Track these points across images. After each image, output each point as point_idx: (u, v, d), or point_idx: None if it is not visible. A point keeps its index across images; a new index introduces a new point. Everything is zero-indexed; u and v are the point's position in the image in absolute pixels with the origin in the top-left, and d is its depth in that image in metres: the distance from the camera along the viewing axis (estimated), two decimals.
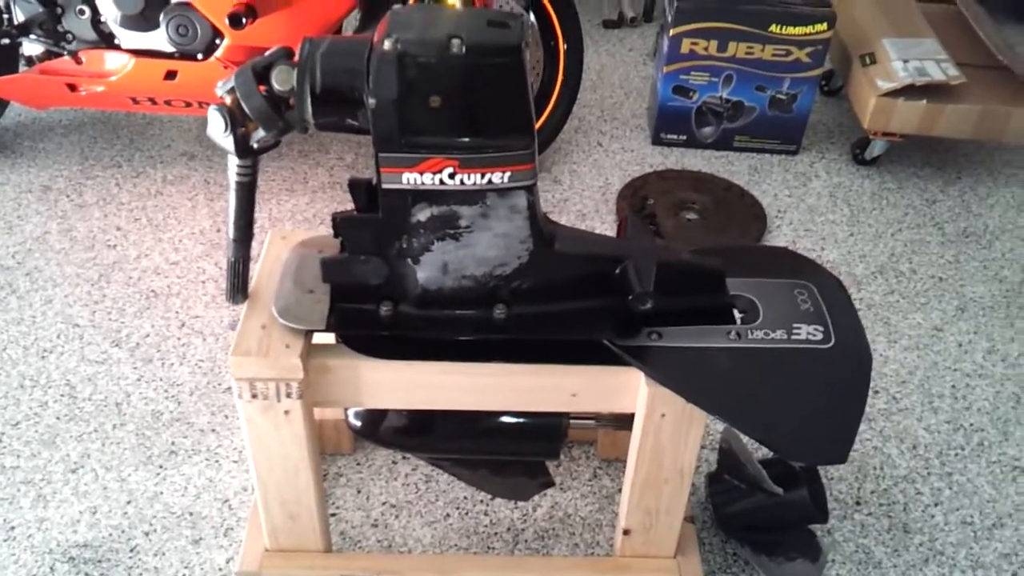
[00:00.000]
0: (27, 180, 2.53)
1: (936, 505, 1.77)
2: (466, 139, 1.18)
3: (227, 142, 1.19)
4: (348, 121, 1.20)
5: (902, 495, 1.79)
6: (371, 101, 1.14)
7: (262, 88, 1.17)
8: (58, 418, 1.86)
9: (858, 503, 1.76)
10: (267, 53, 1.19)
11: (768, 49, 2.65)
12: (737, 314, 1.36)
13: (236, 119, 1.18)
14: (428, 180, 1.20)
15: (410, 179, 1.20)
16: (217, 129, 1.19)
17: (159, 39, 2.25)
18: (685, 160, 2.79)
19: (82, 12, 2.25)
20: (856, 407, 1.29)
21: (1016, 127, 2.61)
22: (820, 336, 1.33)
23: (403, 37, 1.12)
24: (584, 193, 2.61)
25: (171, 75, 2.26)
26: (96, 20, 2.27)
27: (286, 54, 1.19)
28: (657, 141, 2.84)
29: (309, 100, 1.17)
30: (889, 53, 2.67)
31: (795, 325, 1.34)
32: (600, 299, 1.33)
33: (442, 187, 1.21)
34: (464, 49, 1.12)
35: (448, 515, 1.71)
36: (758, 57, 2.67)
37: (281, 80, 1.17)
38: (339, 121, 1.20)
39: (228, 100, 1.18)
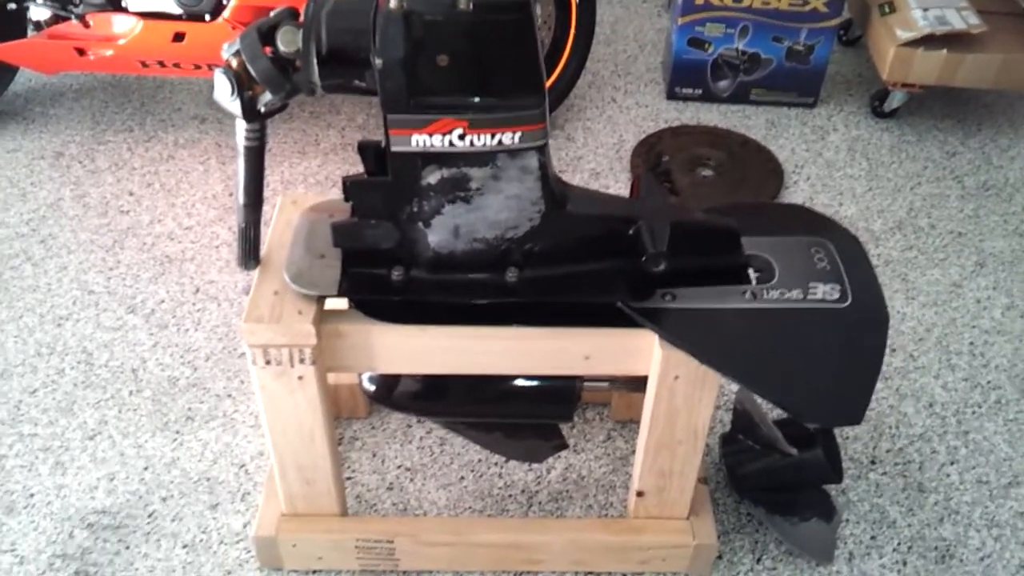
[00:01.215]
0: (39, 146, 2.52)
1: (952, 464, 1.76)
2: (475, 99, 1.16)
3: (234, 106, 1.18)
4: (355, 82, 1.18)
5: (918, 454, 1.78)
6: (378, 61, 1.12)
7: (268, 50, 1.16)
8: (75, 385, 1.87)
9: (873, 462, 1.76)
10: (272, 14, 1.17)
11: None
12: (752, 274, 1.34)
13: (242, 82, 1.16)
14: (438, 142, 1.18)
15: (419, 141, 1.18)
16: (223, 93, 1.17)
17: (166, 1, 2.22)
18: (701, 115, 2.75)
19: None
20: (872, 368, 1.27)
21: None
22: (837, 295, 1.31)
23: None
24: (598, 151, 2.58)
25: (179, 37, 2.24)
26: None
27: (291, 14, 1.17)
28: (672, 96, 2.80)
29: (315, 61, 1.15)
30: (908, 1, 2.61)
31: (811, 284, 1.33)
32: (613, 261, 1.32)
33: (452, 149, 1.19)
34: (471, 6, 1.10)
35: (463, 478, 1.71)
36: (774, 7, 2.61)
37: (286, 41, 1.15)
38: (346, 82, 1.18)
39: (234, 63, 1.16)
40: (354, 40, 1.14)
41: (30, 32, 2.39)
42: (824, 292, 1.32)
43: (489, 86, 1.16)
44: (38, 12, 2.32)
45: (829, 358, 1.28)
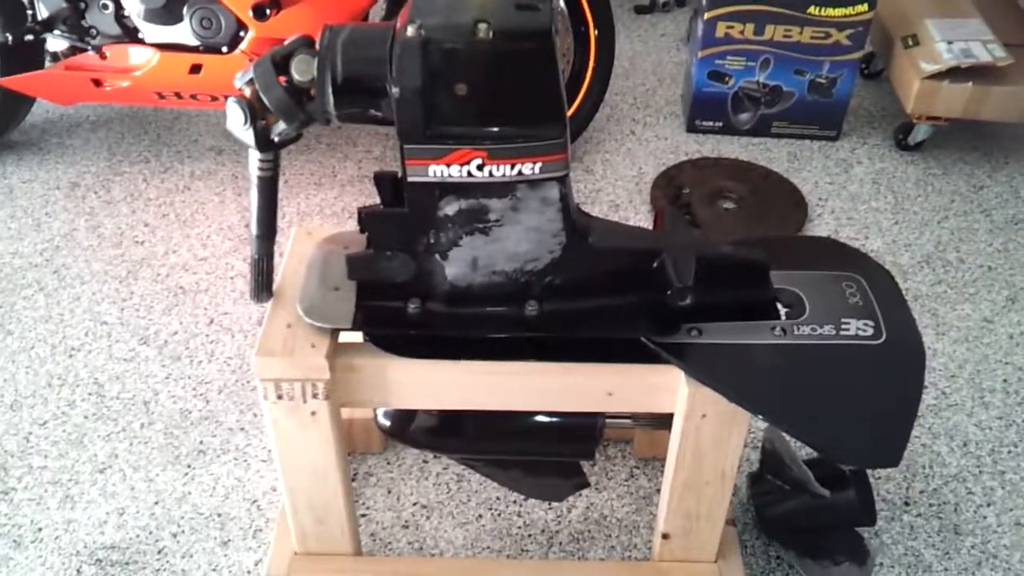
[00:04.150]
0: (55, 177, 2.51)
1: (988, 505, 1.70)
2: (495, 129, 1.12)
3: (247, 135, 1.15)
4: (371, 112, 1.15)
5: (953, 495, 1.71)
6: (395, 90, 1.09)
7: (282, 79, 1.13)
8: (86, 417, 1.84)
9: (907, 504, 1.69)
10: (287, 42, 1.14)
11: (807, 31, 2.57)
12: (782, 309, 1.30)
13: (256, 112, 1.14)
14: (455, 172, 1.15)
15: (437, 171, 1.15)
16: (236, 122, 1.14)
17: (183, 32, 2.22)
18: (721, 147, 2.71)
19: (105, 7, 2.22)
20: (909, 407, 1.22)
21: None
22: (870, 331, 1.26)
23: (427, 23, 1.07)
24: (617, 183, 2.55)
25: (196, 69, 2.22)
26: (120, 14, 2.24)
27: (306, 43, 1.14)
28: (692, 128, 2.77)
29: (330, 90, 1.12)
30: (933, 34, 2.58)
31: (843, 320, 1.28)
32: (637, 294, 1.28)
33: (470, 179, 1.15)
34: (492, 34, 1.07)
35: (480, 516, 1.66)
36: (796, 40, 2.58)
37: (301, 70, 1.12)
38: (362, 112, 1.16)
39: (247, 92, 1.14)
40: (370, 69, 1.12)
41: (47, 63, 2.39)
42: (857, 328, 1.27)
43: (509, 116, 1.13)
44: (55, 43, 2.32)
45: (864, 396, 1.23)
